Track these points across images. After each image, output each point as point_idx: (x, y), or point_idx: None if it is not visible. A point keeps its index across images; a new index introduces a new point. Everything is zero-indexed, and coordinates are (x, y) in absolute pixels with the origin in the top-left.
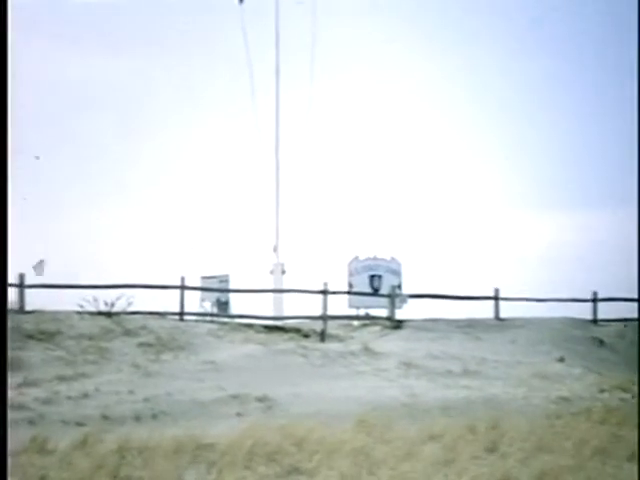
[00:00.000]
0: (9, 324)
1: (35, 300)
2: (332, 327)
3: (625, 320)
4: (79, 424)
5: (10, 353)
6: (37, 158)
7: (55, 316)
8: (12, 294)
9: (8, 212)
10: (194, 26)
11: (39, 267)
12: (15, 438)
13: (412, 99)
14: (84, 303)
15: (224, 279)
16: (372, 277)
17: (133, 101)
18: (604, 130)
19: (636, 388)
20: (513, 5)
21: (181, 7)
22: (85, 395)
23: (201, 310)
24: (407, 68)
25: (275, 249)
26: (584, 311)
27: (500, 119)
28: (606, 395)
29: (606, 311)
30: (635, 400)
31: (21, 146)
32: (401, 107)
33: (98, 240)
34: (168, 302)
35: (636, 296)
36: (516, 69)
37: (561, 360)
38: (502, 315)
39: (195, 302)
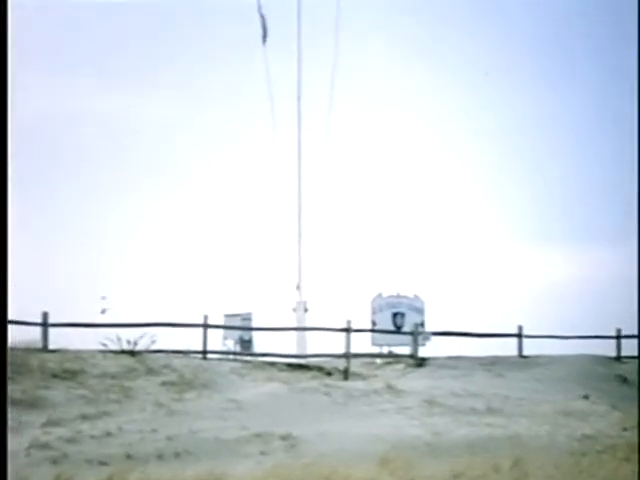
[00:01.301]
0: (33, 362)
1: (59, 339)
2: (355, 365)
3: None
4: (102, 463)
5: (34, 392)
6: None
7: (79, 355)
8: (36, 333)
9: (8, 220)
10: (215, 56)
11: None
12: (39, 477)
13: (430, 130)
14: (107, 342)
15: (247, 317)
16: (395, 315)
17: (156, 132)
18: (619, 162)
19: None
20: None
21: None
22: (108, 434)
23: (224, 348)
24: (426, 100)
25: (298, 287)
26: (608, 348)
27: (512, 154)
28: (630, 433)
29: (630, 348)
30: None
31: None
32: (419, 138)
33: (121, 278)
34: (191, 340)
35: None
36: (526, 106)
37: (585, 398)
38: (525, 352)
39: (218, 340)
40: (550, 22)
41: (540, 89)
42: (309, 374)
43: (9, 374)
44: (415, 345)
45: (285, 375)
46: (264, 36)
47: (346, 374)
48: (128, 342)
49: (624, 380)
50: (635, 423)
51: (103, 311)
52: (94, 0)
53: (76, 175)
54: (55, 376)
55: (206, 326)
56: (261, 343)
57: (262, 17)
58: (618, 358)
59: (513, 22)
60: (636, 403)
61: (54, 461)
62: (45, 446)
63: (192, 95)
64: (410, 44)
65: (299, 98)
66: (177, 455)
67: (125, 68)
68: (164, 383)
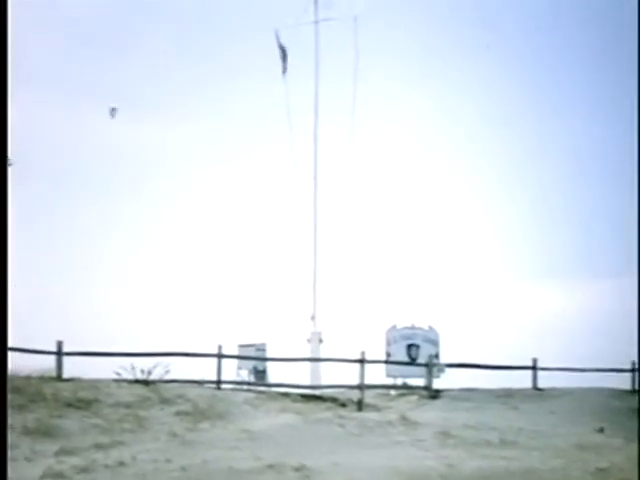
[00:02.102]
0: (47, 391)
1: (73, 368)
2: (369, 396)
3: None
4: None
5: (48, 421)
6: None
7: (93, 384)
8: (50, 362)
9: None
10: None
11: None
12: None
13: (448, 165)
14: (121, 371)
15: (261, 347)
16: (410, 346)
17: (173, 153)
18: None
19: None
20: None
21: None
22: (122, 464)
23: (238, 378)
24: (443, 135)
25: (312, 317)
26: (623, 381)
27: (517, 187)
28: None
29: None
30: None
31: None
32: (438, 172)
33: (135, 307)
34: (205, 370)
35: None
36: (530, 141)
37: (600, 431)
38: (540, 385)
39: (232, 370)
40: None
41: (543, 123)
42: (323, 405)
43: (23, 402)
44: (429, 377)
45: (299, 406)
46: (284, 67)
47: (360, 405)
48: (142, 371)
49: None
50: None
51: None
52: (115, 26)
53: (89, 201)
54: (69, 405)
55: (220, 356)
56: (275, 373)
57: (282, 48)
58: (633, 391)
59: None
60: None
61: None
62: (59, 475)
63: (211, 119)
64: (428, 65)
65: (316, 123)
66: None
67: (140, 93)
68: (178, 413)
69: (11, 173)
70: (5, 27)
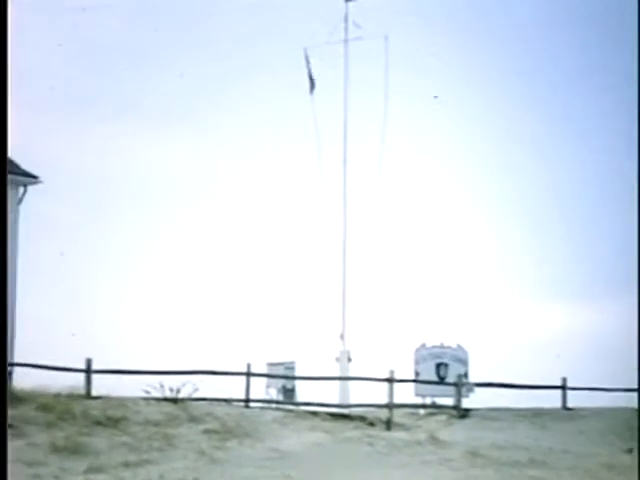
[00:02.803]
0: (76, 409)
1: (102, 386)
2: (398, 415)
3: None
4: None
5: (77, 439)
6: None
7: (121, 402)
8: (80, 379)
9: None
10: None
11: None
12: None
13: (476, 188)
14: (150, 389)
15: (290, 366)
16: (438, 365)
17: (198, 175)
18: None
19: None
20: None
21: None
22: None
23: (267, 397)
24: (470, 156)
25: (341, 336)
26: None
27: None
28: None
29: None
30: None
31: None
32: (462, 194)
33: (164, 326)
34: (234, 389)
35: None
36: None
37: (629, 451)
38: (569, 404)
39: (261, 389)
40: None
41: (547, 147)
42: (352, 424)
43: (52, 419)
44: (458, 396)
45: (328, 425)
46: (312, 86)
47: (389, 424)
48: (171, 390)
49: None
50: None
51: None
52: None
53: (117, 220)
54: (98, 423)
55: (249, 374)
56: (304, 392)
57: (310, 68)
58: None
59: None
60: None
61: None
62: None
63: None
64: (457, 86)
65: (345, 143)
66: None
67: (166, 108)
68: (206, 431)
69: (37, 191)
70: (5, 27)
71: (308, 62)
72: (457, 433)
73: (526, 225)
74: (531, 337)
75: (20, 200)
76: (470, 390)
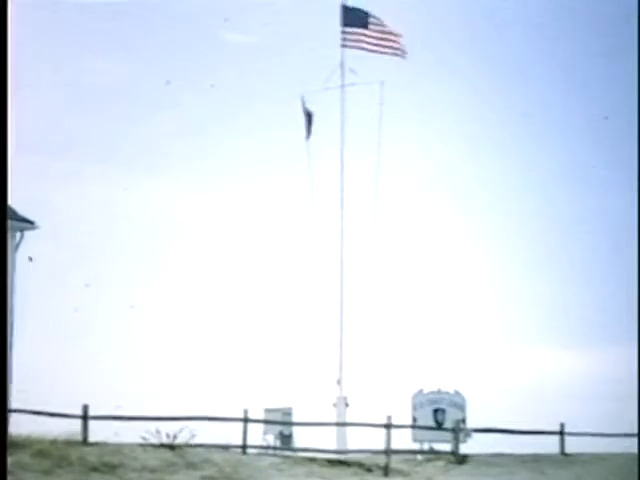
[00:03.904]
0: (73, 455)
1: (99, 432)
2: (396, 461)
3: None
4: None
5: None
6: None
7: (118, 448)
8: (76, 425)
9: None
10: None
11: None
12: None
13: (474, 229)
14: (147, 435)
15: (287, 412)
16: (436, 411)
17: (197, 224)
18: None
19: None
20: None
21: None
22: None
23: (264, 443)
24: (468, 199)
25: (339, 382)
26: None
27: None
28: None
29: None
30: None
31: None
32: (460, 237)
33: (161, 372)
34: (231, 435)
35: None
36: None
37: None
38: (567, 450)
39: (258, 435)
40: None
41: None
42: (349, 470)
43: (49, 466)
44: (456, 442)
45: (325, 471)
46: (308, 132)
47: (386, 470)
48: (168, 436)
49: None
50: None
51: None
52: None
53: (114, 263)
54: (95, 469)
55: (246, 420)
56: (301, 438)
57: (307, 113)
58: None
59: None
60: None
61: None
62: None
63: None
64: (453, 130)
65: (342, 187)
66: None
67: (161, 155)
68: (204, 477)
69: (35, 236)
70: (5, 27)
71: (305, 108)
72: (455, 479)
73: (525, 270)
74: (529, 382)
75: (17, 246)
76: (468, 435)
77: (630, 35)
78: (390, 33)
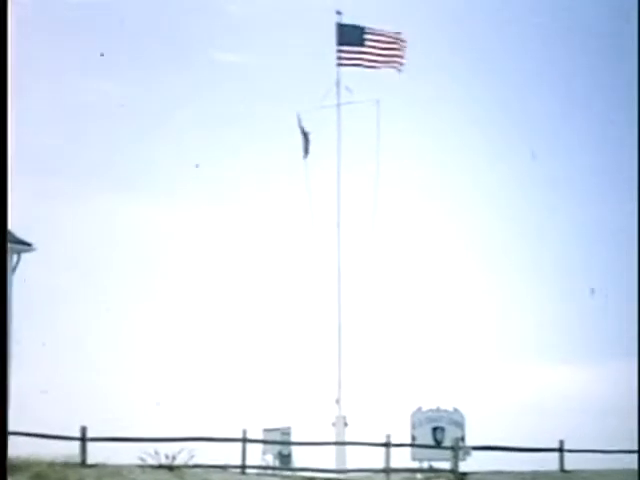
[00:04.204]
0: (71, 477)
1: (97, 453)
2: None
3: None
4: None
5: None
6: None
7: (117, 470)
8: (75, 447)
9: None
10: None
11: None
12: None
13: (473, 248)
14: (145, 456)
15: (286, 431)
16: (435, 429)
17: (195, 247)
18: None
19: None
20: None
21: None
22: None
23: (263, 463)
24: (466, 217)
25: (337, 401)
26: None
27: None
28: None
29: None
30: None
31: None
32: (459, 253)
33: (159, 392)
34: (230, 455)
35: None
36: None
37: None
38: (567, 467)
39: (257, 455)
40: None
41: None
42: None
43: None
44: (455, 460)
45: None
46: (306, 151)
47: None
48: (166, 457)
49: None
50: None
51: None
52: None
53: (111, 284)
54: None
55: (245, 440)
56: (300, 458)
57: (304, 132)
58: None
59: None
60: None
61: None
62: None
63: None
64: (449, 149)
65: (339, 206)
66: None
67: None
68: None
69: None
70: (5, 27)
71: (301, 126)
72: None
73: (525, 288)
74: (528, 399)
75: (14, 268)
76: (467, 454)
77: (630, 35)
78: (387, 45)
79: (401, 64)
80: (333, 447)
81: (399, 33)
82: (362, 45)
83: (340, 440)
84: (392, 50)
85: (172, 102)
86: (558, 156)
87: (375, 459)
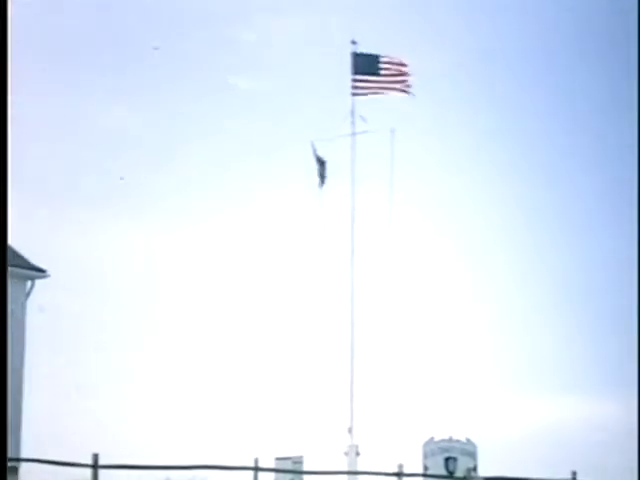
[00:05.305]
0: None
1: None
2: None
3: None
4: None
5: None
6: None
7: None
8: (87, 474)
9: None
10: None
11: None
12: None
13: (484, 280)
14: None
15: (298, 460)
16: (447, 459)
17: (207, 274)
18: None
19: None
20: None
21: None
22: None
23: None
24: (479, 246)
25: (349, 430)
26: None
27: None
28: None
29: None
30: None
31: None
32: (473, 289)
33: (171, 419)
34: None
35: None
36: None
37: None
38: None
39: None
40: None
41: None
42: None
43: None
44: None
45: None
46: (321, 179)
47: None
48: None
49: None
50: None
51: None
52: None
53: (122, 313)
54: None
55: (257, 469)
56: None
57: (319, 160)
58: None
59: None
60: None
61: None
62: None
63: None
64: (463, 179)
65: (352, 239)
66: None
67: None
68: None
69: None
70: (5, 27)
71: (317, 155)
72: None
73: (533, 321)
74: (540, 429)
75: (28, 294)
76: None
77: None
78: (400, 69)
79: (409, 87)
80: (345, 476)
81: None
82: (377, 74)
83: (352, 469)
84: (405, 75)
85: (186, 128)
86: (575, 183)
87: None
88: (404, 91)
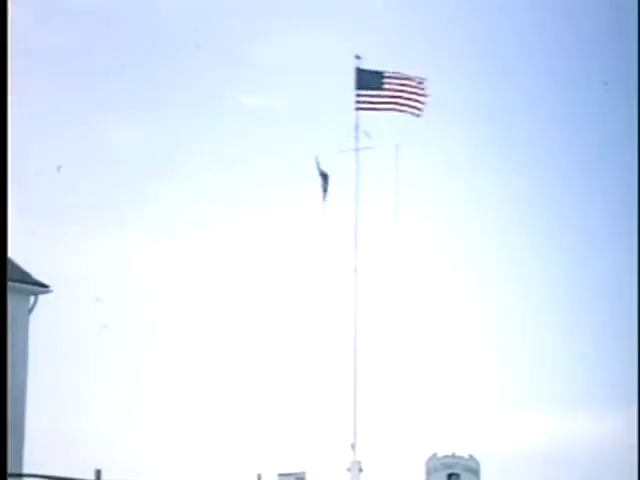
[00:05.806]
0: None
1: None
2: None
3: None
4: None
5: None
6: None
7: None
8: None
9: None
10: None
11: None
12: None
13: (485, 299)
14: None
15: (301, 476)
16: (450, 475)
17: (210, 292)
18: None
19: None
20: None
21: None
22: None
23: None
24: (484, 263)
25: (353, 446)
26: None
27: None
28: None
29: None
30: None
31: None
32: (475, 307)
33: (173, 436)
34: None
35: None
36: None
37: None
38: None
39: None
40: None
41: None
42: None
43: None
44: None
45: None
46: (325, 194)
47: None
48: None
49: None
50: None
51: None
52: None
53: (126, 326)
54: None
55: None
56: None
57: (323, 175)
58: None
59: None
60: None
61: None
62: None
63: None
64: (468, 196)
65: (356, 251)
66: None
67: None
68: None
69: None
70: (5, 27)
71: (320, 169)
72: None
73: (537, 338)
74: (543, 445)
75: (31, 309)
76: None
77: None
78: (407, 89)
79: (419, 109)
80: None
81: (423, 79)
82: (381, 89)
83: None
84: (411, 94)
85: (191, 142)
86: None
87: None
88: (413, 107)
